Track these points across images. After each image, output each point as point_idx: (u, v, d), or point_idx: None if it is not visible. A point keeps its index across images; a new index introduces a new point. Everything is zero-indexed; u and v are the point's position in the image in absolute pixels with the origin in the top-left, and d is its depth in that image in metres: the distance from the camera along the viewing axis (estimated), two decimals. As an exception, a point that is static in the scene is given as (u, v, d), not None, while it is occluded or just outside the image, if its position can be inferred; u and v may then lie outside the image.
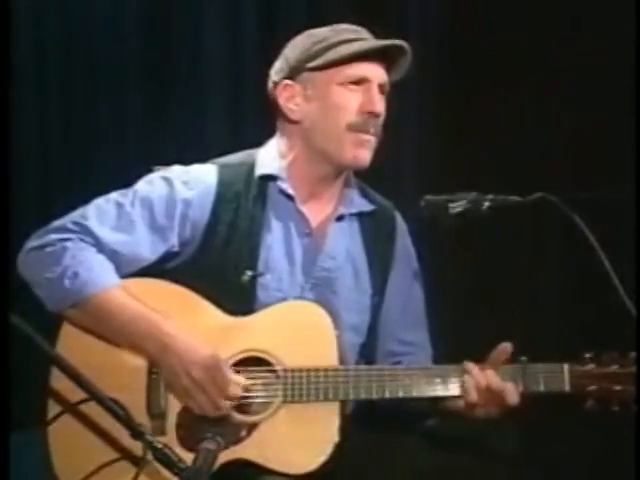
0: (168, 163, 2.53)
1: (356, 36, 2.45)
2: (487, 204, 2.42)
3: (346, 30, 2.46)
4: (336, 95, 2.42)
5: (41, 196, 3.45)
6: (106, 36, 3.51)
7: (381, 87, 2.45)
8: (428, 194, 2.46)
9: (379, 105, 2.43)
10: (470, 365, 2.30)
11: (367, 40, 2.45)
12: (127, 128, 3.53)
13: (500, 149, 3.58)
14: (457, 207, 2.42)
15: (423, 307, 2.62)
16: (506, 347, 2.30)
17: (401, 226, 2.63)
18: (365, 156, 2.44)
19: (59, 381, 2.22)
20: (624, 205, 3.36)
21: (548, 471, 3.04)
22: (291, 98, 2.46)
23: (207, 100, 3.59)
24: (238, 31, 3.62)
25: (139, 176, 2.50)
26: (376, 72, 2.44)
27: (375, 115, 2.42)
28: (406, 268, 2.59)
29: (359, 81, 2.42)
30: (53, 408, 2.27)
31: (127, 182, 2.47)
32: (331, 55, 2.42)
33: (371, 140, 2.44)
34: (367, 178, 2.61)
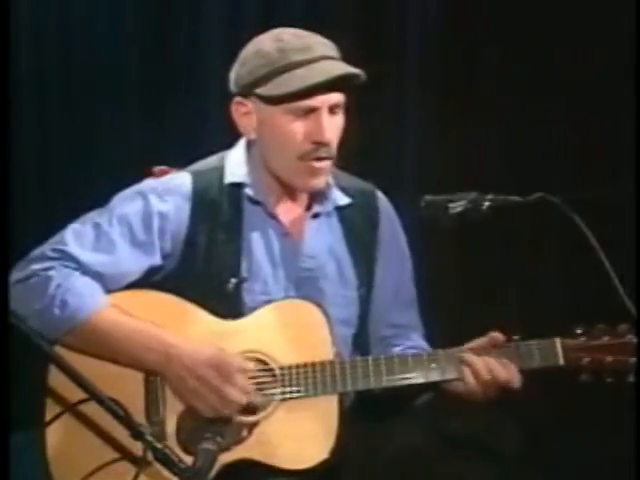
0: (167, 164, 2.52)
1: (303, 57, 2.32)
2: (487, 204, 2.42)
3: (293, 50, 2.33)
4: (283, 124, 2.35)
5: (41, 198, 3.46)
6: (106, 37, 3.51)
7: (333, 108, 2.36)
8: (428, 194, 2.46)
9: (327, 133, 2.34)
10: (469, 356, 2.30)
11: (312, 66, 2.32)
12: (127, 129, 3.53)
13: (500, 149, 3.59)
14: (457, 207, 2.41)
15: (413, 287, 2.59)
16: (497, 337, 2.31)
17: (385, 210, 2.58)
18: (318, 183, 2.40)
19: (58, 381, 2.22)
20: (624, 205, 3.36)
21: (548, 471, 3.04)
22: (243, 116, 2.41)
23: (207, 100, 3.59)
24: (238, 31, 3.61)
25: (139, 176, 2.49)
26: (325, 97, 2.34)
27: (324, 144, 2.35)
28: (394, 252, 2.56)
29: (306, 111, 2.34)
30: (52, 408, 2.27)
31: (127, 183, 2.47)
32: (273, 89, 2.33)
33: (324, 166, 2.38)
34: (367, 178, 2.61)
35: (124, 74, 3.54)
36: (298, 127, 2.35)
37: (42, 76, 3.46)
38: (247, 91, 2.39)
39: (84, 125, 3.50)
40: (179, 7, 3.59)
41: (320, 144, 2.35)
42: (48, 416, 2.27)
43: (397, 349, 2.50)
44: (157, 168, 2.53)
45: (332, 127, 2.37)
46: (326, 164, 2.39)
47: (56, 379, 2.23)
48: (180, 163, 2.51)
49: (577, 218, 2.31)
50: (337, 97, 2.37)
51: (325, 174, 2.41)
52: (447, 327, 3.14)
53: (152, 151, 3.33)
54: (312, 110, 2.34)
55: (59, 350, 2.26)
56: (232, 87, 2.43)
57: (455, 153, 3.58)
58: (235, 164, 2.47)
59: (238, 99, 2.41)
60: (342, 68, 2.35)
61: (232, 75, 2.43)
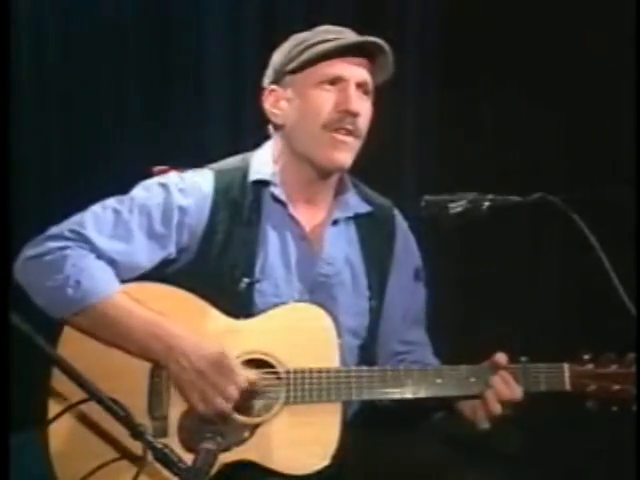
0: (168, 164, 2.52)
1: (335, 36, 2.43)
2: (487, 204, 2.42)
3: (326, 31, 2.45)
4: (312, 96, 2.42)
5: (41, 197, 3.46)
6: (106, 37, 3.51)
7: (361, 86, 2.43)
8: (428, 194, 2.46)
9: (355, 103, 2.40)
10: (496, 380, 2.31)
11: (344, 40, 2.42)
12: (127, 129, 3.53)
13: (500, 149, 3.58)
14: (457, 207, 2.42)
15: (424, 305, 2.62)
16: (500, 360, 2.32)
17: (401, 225, 2.62)
18: (342, 158, 2.42)
19: (60, 382, 2.22)
20: (624, 205, 3.36)
21: (548, 471, 3.04)
22: (275, 102, 2.47)
23: (207, 101, 3.59)
24: (238, 31, 3.62)
25: (139, 177, 2.49)
26: (353, 71, 2.42)
27: (351, 114, 2.40)
28: (407, 268, 2.59)
29: (335, 80, 2.41)
30: (53, 408, 2.27)
31: (127, 183, 2.47)
32: (305, 55, 2.41)
33: (348, 141, 2.42)
34: (367, 178, 2.61)
35: (125, 73, 3.54)
36: (327, 98, 2.41)
37: (42, 75, 3.46)
38: (280, 74, 2.46)
39: (84, 125, 3.50)
40: (180, 6, 3.59)
41: (346, 113, 2.40)
42: (50, 416, 2.26)
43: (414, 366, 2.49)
44: (157, 168, 2.54)
45: (360, 102, 2.42)
46: (350, 139, 2.42)
47: (59, 379, 2.22)
48: (181, 163, 2.52)
49: (577, 218, 2.31)
50: (364, 75, 2.44)
51: (349, 151, 2.43)
52: (447, 326, 3.15)
53: (153, 151, 3.33)
54: (340, 81, 2.40)
55: (61, 351, 2.26)
56: (266, 81, 2.50)
57: (455, 153, 3.58)
58: (261, 162, 2.49)
59: (270, 87, 2.48)
60: (365, 37, 2.43)
61: (268, 70, 2.50)
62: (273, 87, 2.47)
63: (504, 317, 3.46)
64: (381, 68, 2.45)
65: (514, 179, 3.34)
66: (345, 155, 2.43)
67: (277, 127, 2.49)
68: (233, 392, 2.23)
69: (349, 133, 2.41)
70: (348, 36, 2.45)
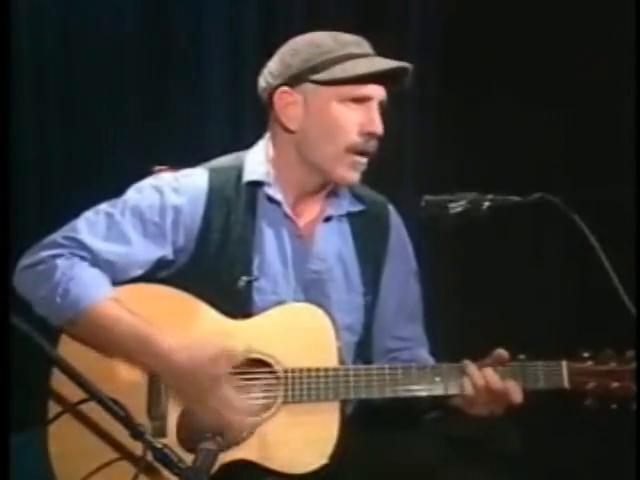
0: (168, 164, 2.52)
1: (360, 51, 2.40)
2: (487, 204, 2.42)
3: (350, 43, 2.40)
4: (337, 113, 2.38)
5: (41, 197, 3.46)
6: (106, 36, 3.51)
7: (380, 104, 2.42)
8: (428, 194, 2.46)
9: (380, 125, 2.40)
10: (469, 366, 2.30)
11: (372, 58, 2.41)
12: (127, 128, 3.53)
13: (500, 149, 3.59)
14: (457, 207, 2.41)
15: (419, 301, 2.61)
16: (502, 354, 2.31)
17: (395, 221, 2.61)
18: (355, 177, 2.42)
19: (60, 382, 2.22)
20: (624, 205, 3.36)
21: (548, 471, 3.04)
22: (289, 106, 2.42)
23: (207, 101, 3.59)
24: (238, 31, 3.62)
25: (139, 176, 2.49)
26: (378, 90, 2.40)
27: (375, 136, 2.40)
28: (401, 263, 2.58)
29: (361, 99, 2.39)
30: (53, 408, 2.27)
31: (127, 183, 2.47)
32: (338, 72, 2.36)
33: (364, 162, 2.42)
34: (367, 178, 2.61)
35: (125, 73, 3.54)
36: (353, 117, 2.39)
37: (42, 75, 3.46)
38: (298, 80, 2.40)
39: (84, 124, 3.50)
40: (180, 7, 3.59)
41: (372, 135, 2.39)
42: (50, 416, 2.27)
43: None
44: (157, 167, 2.54)
45: (381, 123, 2.41)
46: (365, 160, 2.42)
47: (59, 380, 2.22)
48: (181, 162, 2.52)
49: (577, 218, 2.31)
50: (384, 93, 2.43)
51: (361, 170, 2.43)
52: (447, 326, 3.15)
53: (153, 151, 3.33)
54: (365, 101, 2.38)
55: (61, 351, 2.27)
56: (275, 79, 2.43)
57: (455, 153, 3.58)
58: (256, 162, 2.48)
59: (284, 89, 2.42)
60: (398, 62, 2.41)
61: (275, 67, 2.44)
62: (287, 89, 2.42)
63: (503, 317, 3.46)
64: (397, 85, 2.45)
65: (514, 179, 3.33)
66: (358, 175, 2.43)
67: (286, 130, 2.45)
68: (236, 399, 2.23)
69: (366, 155, 2.41)
70: (367, 49, 2.42)
